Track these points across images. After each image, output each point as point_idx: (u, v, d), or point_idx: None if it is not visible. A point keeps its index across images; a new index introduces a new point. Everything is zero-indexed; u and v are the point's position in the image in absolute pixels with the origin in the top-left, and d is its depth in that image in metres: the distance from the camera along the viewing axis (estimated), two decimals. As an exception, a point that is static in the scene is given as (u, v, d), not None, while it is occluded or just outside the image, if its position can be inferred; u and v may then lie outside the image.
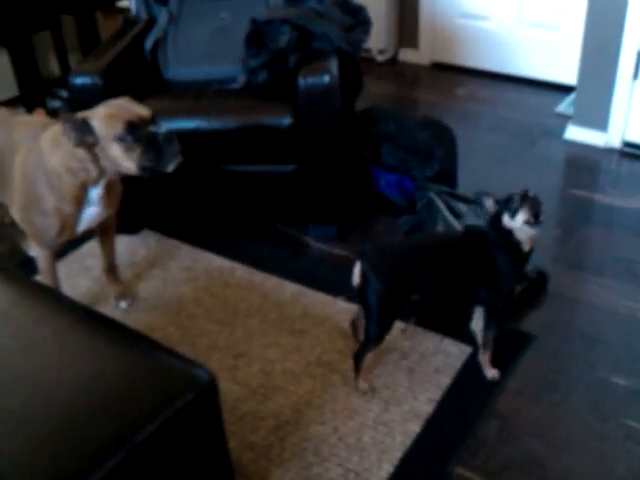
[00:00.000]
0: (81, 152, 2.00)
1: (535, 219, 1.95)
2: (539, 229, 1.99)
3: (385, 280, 2.01)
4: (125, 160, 1.98)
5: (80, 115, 1.97)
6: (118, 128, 1.94)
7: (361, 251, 2.06)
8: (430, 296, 2.19)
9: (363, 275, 2.02)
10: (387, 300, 2.02)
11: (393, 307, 2.06)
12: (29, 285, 1.89)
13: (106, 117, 1.96)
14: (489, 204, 2.06)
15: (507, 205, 1.99)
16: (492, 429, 2.03)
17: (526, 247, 2.02)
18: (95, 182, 2.10)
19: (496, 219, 2.02)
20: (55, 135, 2.05)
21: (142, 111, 2.00)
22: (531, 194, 1.98)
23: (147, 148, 1.97)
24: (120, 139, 1.95)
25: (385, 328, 2.07)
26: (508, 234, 2.00)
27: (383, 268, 2.02)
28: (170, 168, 2.05)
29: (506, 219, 1.99)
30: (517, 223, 1.97)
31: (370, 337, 2.07)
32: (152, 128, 1.99)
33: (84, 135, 1.93)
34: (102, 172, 2.06)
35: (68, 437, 1.33)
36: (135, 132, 1.95)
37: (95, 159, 2.01)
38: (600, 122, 3.40)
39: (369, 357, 2.11)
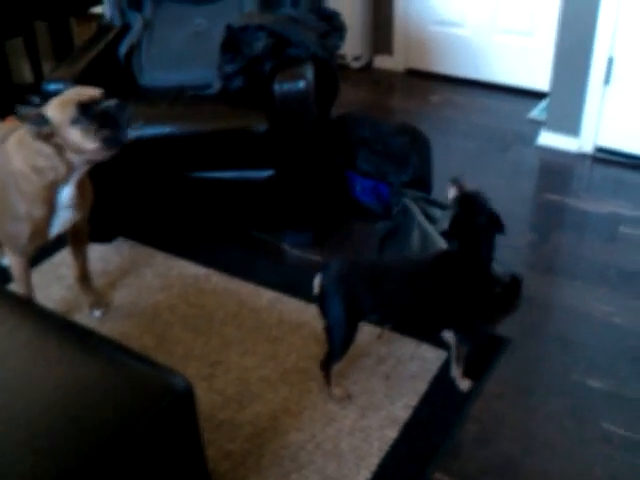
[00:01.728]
0: (46, 148, 2.00)
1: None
2: None
3: (340, 296, 1.99)
4: (86, 141, 1.98)
5: (35, 109, 1.98)
6: (71, 111, 1.96)
7: (324, 263, 2.07)
8: (389, 318, 2.18)
9: (322, 287, 2.01)
10: (344, 315, 2.01)
11: (349, 322, 2.04)
12: (2, 294, 1.86)
13: (58, 104, 1.99)
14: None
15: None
16: (469, 433, 2.04)
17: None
18: (65, 180, 2.08)
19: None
20: (20, 137, 2.06)
21: (91, 91, 2.03)
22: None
23: (102, 123, 1.98)
24: (75, 121, 1.96)
25: (347, 340, 2.05)
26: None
27: (341, 284, 2.01)
28: (130, 135, 2.05)
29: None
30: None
31: (332, 349, 2.07)
32: (103, 104, 2.00)
33: (40, 125, 1.94)
34: (70, 167, 2.05)
35: (41, 446, 1.31)
36: (88, 112, 1.97)
37: (60, 152, 2.01)
38: (572, 127, 3.44)
39: (340, 366, 2.11)
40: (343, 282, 2.01)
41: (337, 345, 2.05)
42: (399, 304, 2.05)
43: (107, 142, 2.00)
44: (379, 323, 2.33)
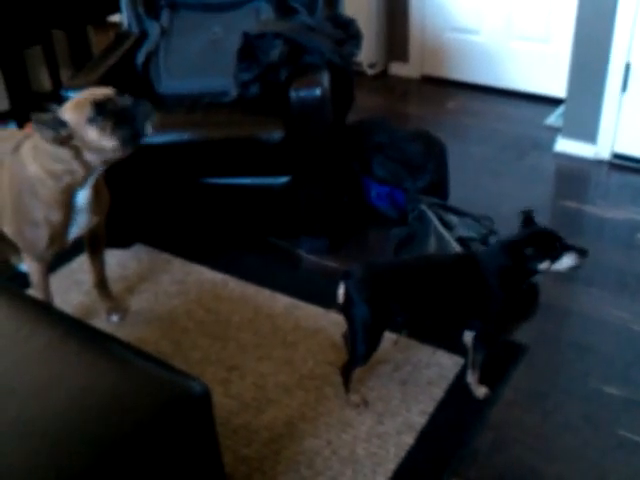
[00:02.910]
0: (63, 152, 2.01)
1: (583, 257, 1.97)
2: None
3: (367, 302, 1.98)
4: (104, 139, 1.99)
5: (51, 113, 1.99)
6: (87, 111, 1.97)
7: (346, 270, 2.04)
8: (415, 319, 2.18)
9: (347, 295, 2.00)
10: (371, 320, 2.00)
11: (377, 327, 2.04)
12: (21, 299, 1.88)
13: (73, 106, 2.00)
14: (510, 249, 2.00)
15: (543, 251, 1.96)
16: (486, 440, 2.03)
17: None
18: (81, 183, 2.10)
19: (525, 264, 1.98)
20: (34, 143, 2.07)
21: (105, 90, 2.05)
22: (544, 228, 2.02)
23: (119, 119, 1.99)
24: (91, 120, 1.97)
25: (370, 347, 2.05)
26: (531, 263, 1.98)
27: (366, 290, 2.00)
28: (148, 129, 2.05)
29: (545, 265, 1.97)
30: (561, 267, 1.98)
31: (356, 355, 2.06)
32: (118, 100, 2.02)
33: (58, 129, 1.95)
34: (88, 168, 2.06)
35: (61, 450, 1.32)
36: (103, 110, 1.98)
37: (78, 155, 2.02)
38: (589, 134, 3.42)
39: (357, 372, 2.11)
40: (368, 287, 2.00)
41: (361, 352, 2.04)
42: (423, 303, 2.05)
43: (125, 139, 2.01)
44: (396, 329, 2.33)
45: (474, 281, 2.02)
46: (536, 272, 2.01)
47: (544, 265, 1.97)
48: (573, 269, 2.00)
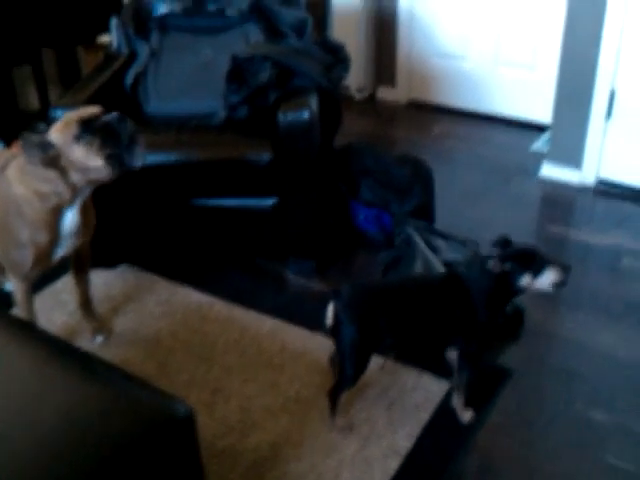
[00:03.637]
0: (50, 173, 2.00)
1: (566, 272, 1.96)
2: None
3: (358, 322, 1.98)
4: (90, 158, 1.99)
5: (39, 135, 1.99)
6: (73, 129, 1.98)
7: (335, 291, 2.03)
8: (404, 340, 2.17)
9: (336, 316, 1.99)
10: (360, 342, 1.99)
11: (366, 349, 2.03)
12: (5, 319, 1.86)
13: (60, 126, 2.01)
14: (493, 265, 1.97)
15: (523, 265, 1.96)
16: (472, 464, 2.03)
17: (530, 291, 2.02)
18: (68, 204, 2.09)
19: (507, 280, 1.97)
20: (21, 164, 2.06)
21: (92, 109, 2.06)
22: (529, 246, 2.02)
23: (104, 137, 1.99)
24: (78, 138, 1.97)
25: (360, 369, 2.04)
26: (512, 281, 1.97)
27: (356, 310, 1.99)
28: (136, 152, 2.04)
29: (527, 279, 1.96)
30: (544, 284, 1.96)
31: (345, 377, 2.05)
32: (103, 117, 2.02)
33: (46, 150, 1.95)
34: (74, 190, 2.05)
35: (43, 471, 1.30)
36: (90, 127, 1.98)
37: (64, 175, 2.01)
38: (574, 160, 3.46)
39: (344, 395, 2.09)
40: (358, 308, 2.00)
41: (349, 373, 2.03)
42: (411, 322, 2.05)
43: (111, 158, 2.01)
44: (383, 352, 2.32)
45: (459, 299, 2.03)
46: (519, 290, 2.00)
47: (526, 280, 1.96)
48: (558, 286, 1.97)
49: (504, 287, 1.99)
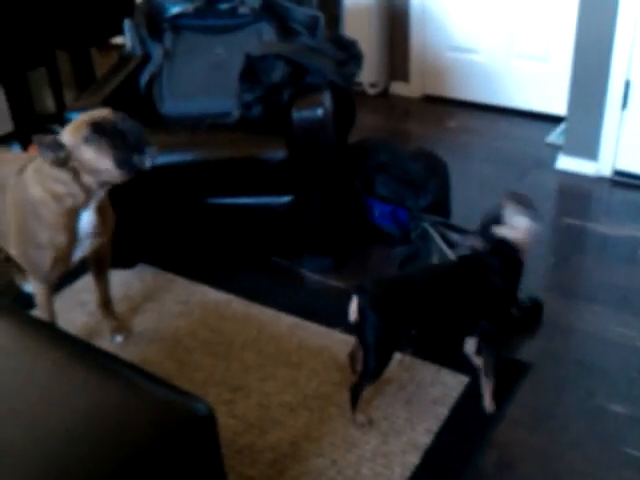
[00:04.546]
0: (63, 174, 2.03)
1: (525, 206, 1.98)
2: (535, 218, 2.00)
3: (383, 316, 1.98)
4: (100, 159, 2.01)
5: (51, 136, 2.02)
6: (84, 131, 2.00)
7: (358, 286, 2.03)
8: (428, 330, 2.18)
9: (360, 310, 2.00)
10: (385, 336, 2.00)
11: (391, 342, 2.04)
12: (26, 320, 1.88)
13: (71, 128, 2.03)
14: (474, 242, 2.06)
15: (490, 216, 2.02)
16: (491, 459, 2.03)
17: (524, 247, 2.02)
18: (84, 205, 2.11)
19: (485, 233, 2.02)
20: (37, 166, 2.09)
21: (104, 112, 2.08)
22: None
23: (114, 138, 2.01)
24: (88, 140, 1.99)
25: (383, 363, 2.05)
26: (503, 246, 2.00)
27: (381, 303, 2.00)
28: (145, 153, 2.06)
29: (495, 227, 2.00)
30: (507, 222, 1.98)
31: (368, 372, 2.05)
32: (114, 119, 2.04)
33: (57, 152, 1.98)
34: (88, 191, 2.08)
35: (66, 472, 1.32)
36: (100, 130, 2.00)
37: (77, 177, 2.04)
38: (590, 151, 3.44)
39: (367, 391, 2.10)
40: (382, 301, 2.00)
41: (372, 367, 2.04)
42: (435, 312, 2.06)
43: (120, 160, 2.02)
44: (402, 348, 2.33)
45: (478, 281, 2.05)
46: (517, 250, 2.01)
47: (496, 228, 1.99)
48: (529, 229, 1.99)
49: (506, 253, 2.01)
